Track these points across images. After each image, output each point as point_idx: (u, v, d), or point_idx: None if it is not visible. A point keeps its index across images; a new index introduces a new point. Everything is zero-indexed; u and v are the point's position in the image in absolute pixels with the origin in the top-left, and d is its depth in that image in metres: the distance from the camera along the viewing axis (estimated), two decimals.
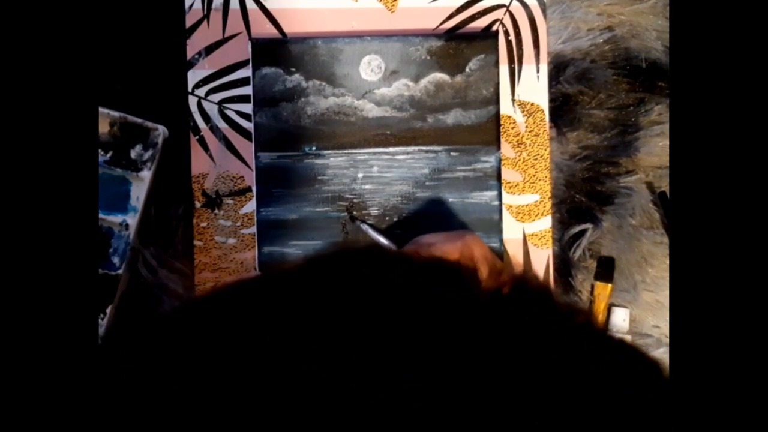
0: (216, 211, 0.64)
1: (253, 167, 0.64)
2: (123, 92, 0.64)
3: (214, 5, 0.64)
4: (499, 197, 0.64)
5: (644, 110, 0.66)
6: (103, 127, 0.61)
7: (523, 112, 0.65)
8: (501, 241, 0.64)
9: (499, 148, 0.64)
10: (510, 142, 0.65)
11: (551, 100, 0.66)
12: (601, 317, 0.64)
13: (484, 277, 0.25)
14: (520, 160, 0.65)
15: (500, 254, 0.64)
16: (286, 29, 0.65)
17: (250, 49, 0.64)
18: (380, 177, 0.64)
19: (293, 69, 0.64)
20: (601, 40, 0.66)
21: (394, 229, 0.63)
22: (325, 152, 0.64)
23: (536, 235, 0.65)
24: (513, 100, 0.65)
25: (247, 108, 0.64)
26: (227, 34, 0.65)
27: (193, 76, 0.64)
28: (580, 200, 0.66)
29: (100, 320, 0.60)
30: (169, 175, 0.64)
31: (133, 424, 0.20)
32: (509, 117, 0.65)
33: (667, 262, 0.65)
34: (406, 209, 0.64)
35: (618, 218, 0.66)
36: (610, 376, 0.23)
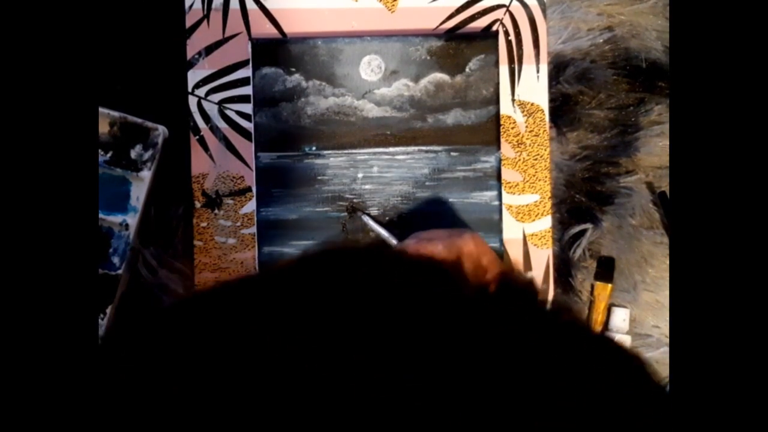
0: (216, 211, 0.64)
1: (253, 167, 0.64)
2: (123, 92, 0.64)
3: (214, 5, 0.64)
4: (499, 197, 0.64)
5: (644, 110, 0.66)
6: (103, 127, 0.61)
7: (523, 112, 0.65)
8: (501, 241, 0.64)
9: (499, 148, 0.64)
10: (510, 142, 0.65)
11: (551, 100, 0.66)
12: (601, 317, 0.64)
13: (489, 275, 0.25)
14: (520, 160, 0.65)
15: (500, 254, 0.64)
16: (286, 29, 0.65)
17: (250, 49, 0.64)
18: (380, 177, 0.64)
19: (293, 69, 0.64)
20: (601, 40, 0.66)
21: (394, 229, 0.63)
22: (325, 152, 0.64)
23: (536, 235, 0.65)
24: (513, 100, 0.65)
25: (247, 108, 0.64)
26: (227, 34, 0.65)
27: (193, 76, 0.64)
28: (580, 200, 0.66)
29: (100, 320, 0.60)
30: (169, 175, 0.64)
31: (133, 425, 0.20)
32: (509, 117, 0.65)
33: (667, 262, 0.65)
34: (406, 209, 0.64)
35: (618, 218, 0.66)
36: (597, 373, 0.23)
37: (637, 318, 0.65)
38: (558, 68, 0.66)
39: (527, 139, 0.65)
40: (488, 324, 0.23)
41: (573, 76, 0.66)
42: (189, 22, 0.64)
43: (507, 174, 0.65)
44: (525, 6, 0.65)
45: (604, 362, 0.24)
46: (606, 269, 0.65)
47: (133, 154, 0.61)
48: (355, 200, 0.64)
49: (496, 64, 0.64)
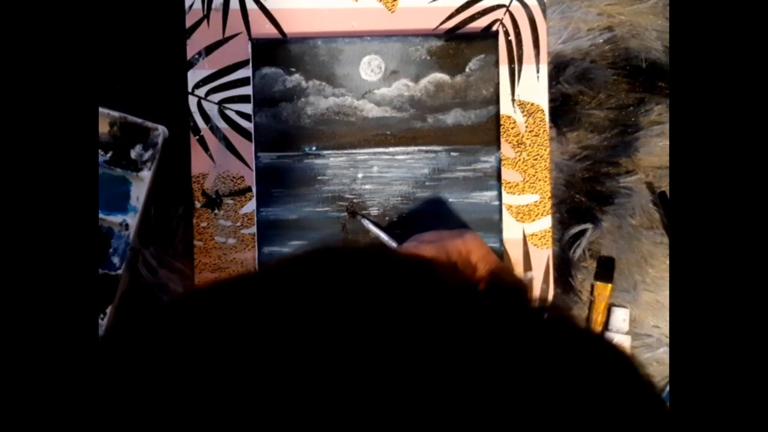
0: (216, 211, 0.64)
1: (253, 167, 0.64)
2: (123, 92, 0.64)
3: (214, 5, 0.64)
4: (499, 197, 0.64)
5: (644, 110, 0.66)
6: (103, 127, 0.61)
7: (523, 112, 0.65)
8: (501, 241, 0.64)
9: (499, 148, 0.64)
10: (510, 142, 0.65)
11: (551, 100, 0.66)
12: (601, 317, 0.64)
13: (482, 274, 0.25)
14: (520, 160, 0.65)
15: (500, 254, 0.64)
16: (286, 29, 0.65)
17: (250, 49, 0.64)
18: (380, 177, 0.64)
19: (293, 69, 0.64)
20: (601, 40, 0.66)
21: (394, 229, 0.63)
22: (325, 152, 0.64)
23: (536, 235, 0.65)
24: (513, 100, 0.65)
25: (247, 108, 0.64)
26: (227, 34, 0.65)
27: (193, 76, 0.64)
28: (580, 200, 0.66)
29: (100, 320, 0.60)
30: (169, 175, 0.64)
31: (133, 424, 0.20)
32: (509, 117, 0.65)
33: (667, 262, 0.65)
34: (406, 209, 0.64)
35: (618, 218, 0.66)
36: (588, 370, 0.23)
37: (637, 318, 0.65)
38: (558, 68, 0.66)
39: (527, 139, 0.65)
40: (478, 323, 0.23)
41: (573, 76, 0.66)
42: (189, 22, 0.64)
43: (507, 174, 0.65)
44: (525, 6, 0.65)
45: (595, 358, 0.24)
46: (606, 269, 0.65)
47: (133, 154, 0.61)
48: (355, 200, 0.64)
49: (496, 64, 0.64)
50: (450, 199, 0.64)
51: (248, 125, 0.64)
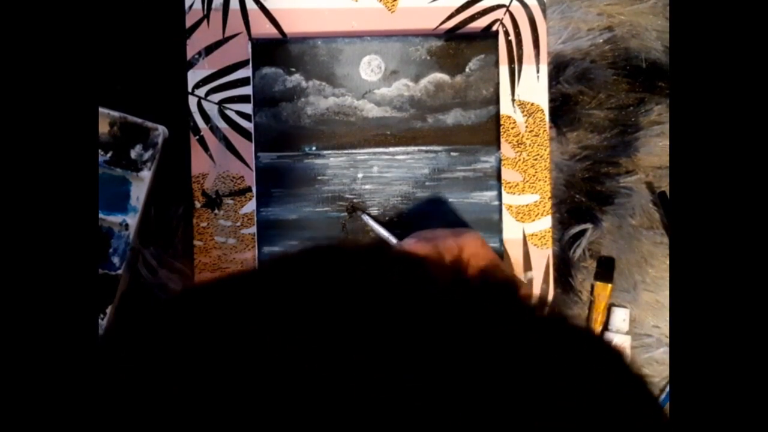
0: (216, 211, 0.64)
1: (253, 167, 0.64)
2: (123, 92, 0.64)
3: (214, 5, 0.64)
4: (499, 197, 0.64)
5: (644, 110, 0.66)
6: (103, 127, 0.61)
7: (523, 112, 0.65)
8: (501, 241, 0.64)
9: (499, 148, 0.64)
10: (510, 142, 0.65)
11: (551, 100, 0.66)
12: (601, 317, 0.64)
13: (473, 273, 0.25)
14: (520, 160, 0.65)
15: (500, 254, 0.64)
16: (286, 29, 0.65)
17: (250, 49, 0.64)
18: (380, 177, 0.64)
19: (293, 69, 0.64)
20: (601, 40, 0.66)
21: (394, 229, 0.63)
22: (325, 152, 0.64)
23: (536, 235, 0.65)
24: (513, 100, 0.65)
25: (247, 108, 0.64)
26: (227, 34, 0.65)
27: (193, 76, 0.64)
28: (580, 200, 0.66)
29: (100, 320, 0.60)
30: (169, 175, 0.64)
31: (133, 425, 0.20)
32: (509, 117, 0.65)
33: (667, 262, 0.65)
34: (406, 209, 0.64)
35: (618, 218, 0.66)
36: (582, 367, 0.23)
37: (637, 318, 0.65)
38: (558, 68, 0.66)
39: (527, 139, 0.65)
40: (465, 320, 0.23)
41: (573, 76, 0.66)
42: (189, 22, 0.64)
43: (507, 174, 0.65)
44: (525, 6, 0.65)
45: (592, 358, 0.24)
46: (606, 269, 0.65)
47: (133, 154, 0.61)
48: (355, 200, 0.64)
49: (496, 64, 0.64)
50: (450, 199, 0.64)
51: (248, 125, 0.64)
